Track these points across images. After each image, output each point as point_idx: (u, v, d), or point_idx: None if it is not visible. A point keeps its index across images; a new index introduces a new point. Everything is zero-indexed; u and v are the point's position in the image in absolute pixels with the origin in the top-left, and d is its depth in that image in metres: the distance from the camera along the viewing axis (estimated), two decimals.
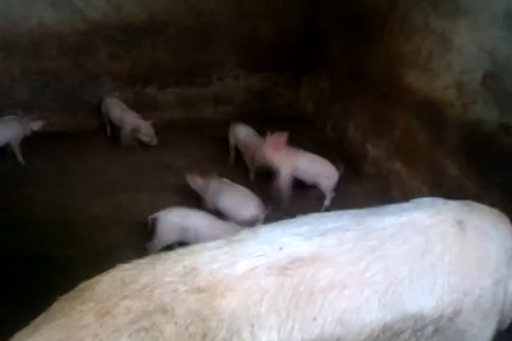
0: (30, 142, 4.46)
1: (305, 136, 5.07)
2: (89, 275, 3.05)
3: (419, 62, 3.76)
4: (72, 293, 1.40)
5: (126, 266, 1.45)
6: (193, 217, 3.25)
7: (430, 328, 1.60)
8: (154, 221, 3.26)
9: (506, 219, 1.87)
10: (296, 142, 4.70)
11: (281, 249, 1.50)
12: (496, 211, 1.88)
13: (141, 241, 3.50)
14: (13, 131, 4.30)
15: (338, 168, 3.97)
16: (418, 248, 1.61)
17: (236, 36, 5.10)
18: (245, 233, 1.63)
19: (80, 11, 4.49)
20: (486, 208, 1.88)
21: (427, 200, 1.96)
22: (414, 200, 2.01)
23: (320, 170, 3.96)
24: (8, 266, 3.18)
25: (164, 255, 1.50)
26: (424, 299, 1.57)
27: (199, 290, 1.35)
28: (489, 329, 1.75)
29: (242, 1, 4.95)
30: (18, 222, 3.58)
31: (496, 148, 3.13)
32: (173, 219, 3.22)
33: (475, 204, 1.89)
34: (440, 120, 3.59)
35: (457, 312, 1.62)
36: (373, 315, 1.50)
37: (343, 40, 4.80)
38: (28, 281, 3.06)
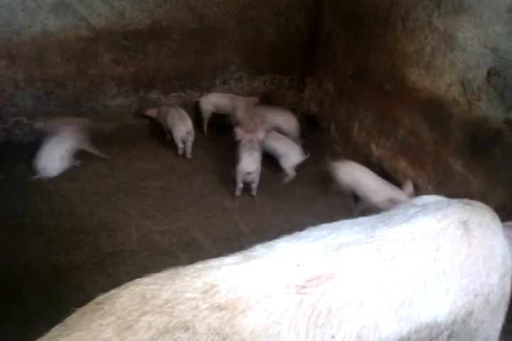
0: (35, 149, 4.49)
1: (310, 137, 5.08)
2: (95, 281, 3.09)
3: (423, 61, 3.74)
4: (90, 305, 1.37)
5: (146, 280, 1.43)
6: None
7: (445, 334, 1.59)
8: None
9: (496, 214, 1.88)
10: (302, 143, 4.73)
11: (298, 266, 1.49)
12: (487, 206, 1.88)
13: (146, 246, 3.51)
14: None
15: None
16: (430, 256, 1.60)
17: (239, 39, 5.12)
18: (261, 248, 1.61)
19: (83, 18, 4.50)
20: (482, 204, 1.87)
21: (430, 200, 1.95)
22: (416, 200, 2.02)
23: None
24: (12, 272, 3.19)
25: (182, 270, 1.48)
26: (438, 307, 1.56)
27: (220, 307, 1.33)
28: (499, 322, 1.75)
29: (245, 4, 4.95)
30: (22, 229, 3.59)
31: (501, 144, 3.11)
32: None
33: (472, 201, 1.88)
34: (445, 118, 3.57)
35: (469, 314, 1.62)
36: (390, 329, 1.49)
37: (345, 40, 4.79)
38: (32, 288, 3.07)
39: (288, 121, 4.96)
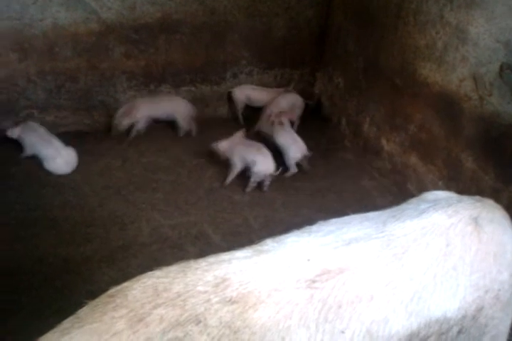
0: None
1: (320, 132, 5.08)
2: (105, 273, 3.11)
3: (435, 55, 3.71)
4: (102, 298, 1.37)
5: (157, 273, 1.43)
6: None
7: (455, 329, 1.59)
8: None
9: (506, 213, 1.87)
10: (312, 138, 4.73)
11: (308, 260, 1.49)
12: (497, 205, 1.86)
13: (156, 239, 3.53)
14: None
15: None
16: (440, 251, 1.60)
17: (249, 33, 5.11)
18: (272, 243, 1.61)
19: (94, 11, 4.52)
20: (492, 202, 1.86)
21: (442, 196, 1.94)
22: (427, 194, 2.00)
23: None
24: (24, 265, 3.22)
25: (194, 263, 1.48)
26: (448, 302, 1.56)
27: (231, 301, 1.34)
28: (509, 319, 1.75)
29: None
30: (33, 222, 3.62)
31: None
32: None
33: (483, 199, 1.87)
34: (456, 113, 3.55)
35: (479, 310, 1.61)
36: (400, 324, 1.49)
37: (356, 35, 4.76)
38: (43, 281, 3.10)
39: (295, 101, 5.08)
